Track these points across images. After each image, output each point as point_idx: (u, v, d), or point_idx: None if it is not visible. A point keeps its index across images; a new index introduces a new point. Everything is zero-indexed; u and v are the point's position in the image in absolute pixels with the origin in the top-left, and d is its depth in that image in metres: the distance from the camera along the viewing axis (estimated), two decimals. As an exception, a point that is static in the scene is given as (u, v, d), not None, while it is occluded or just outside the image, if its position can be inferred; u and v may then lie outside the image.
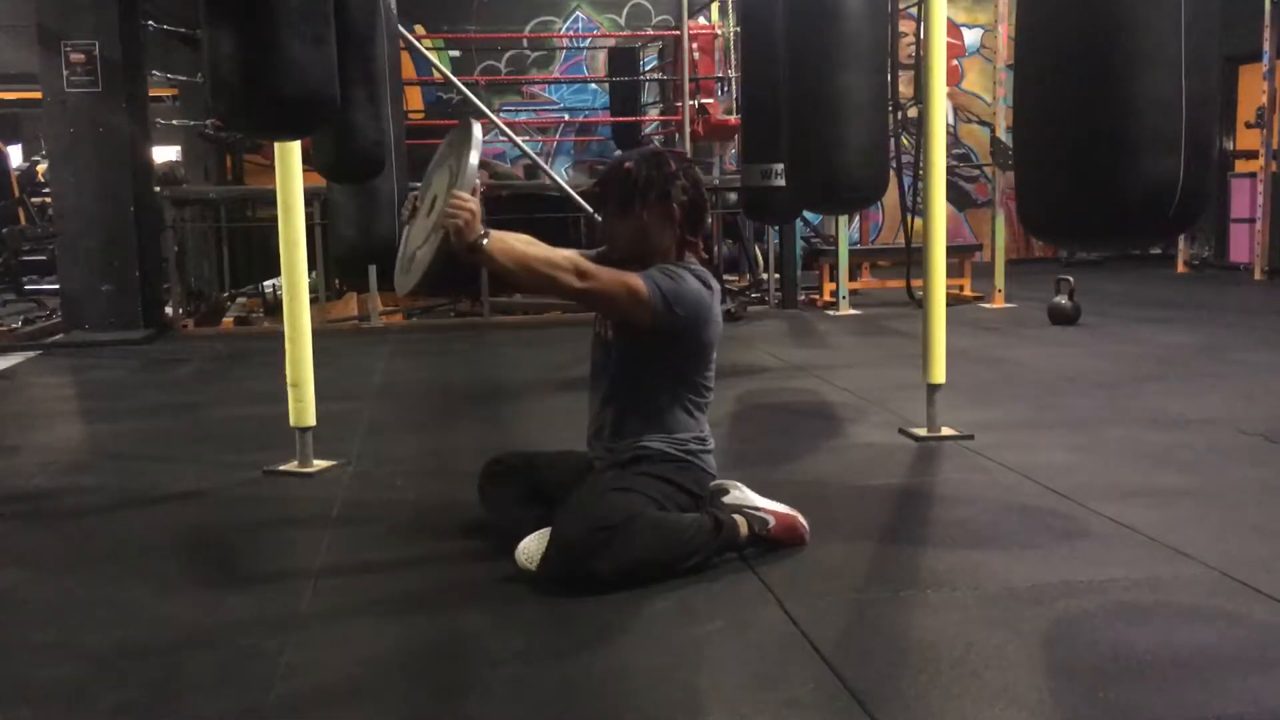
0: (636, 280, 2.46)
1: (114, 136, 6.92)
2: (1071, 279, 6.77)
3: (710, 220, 9.67)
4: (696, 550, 2.45)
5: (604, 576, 2.32)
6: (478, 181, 2.36)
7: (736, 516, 2.54)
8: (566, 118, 12.37)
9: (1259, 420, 3.86)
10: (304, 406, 3.49)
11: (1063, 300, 6.69)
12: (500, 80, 11.94)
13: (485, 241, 2.31)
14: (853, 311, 7.68)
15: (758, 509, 2.58)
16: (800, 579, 2.42)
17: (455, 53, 11.17)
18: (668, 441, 2.57)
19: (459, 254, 2.32)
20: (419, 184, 2.65)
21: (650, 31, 11.55)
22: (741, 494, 2.63)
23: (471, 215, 2.29)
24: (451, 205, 2.30)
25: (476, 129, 2.42)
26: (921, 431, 3.76)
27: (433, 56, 8.62)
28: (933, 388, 3.75)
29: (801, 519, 2.63)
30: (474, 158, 2.35)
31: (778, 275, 8.16)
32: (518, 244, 2.39)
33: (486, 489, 2.80)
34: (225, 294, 8.50)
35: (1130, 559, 2.52)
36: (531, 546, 2.46)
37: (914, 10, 6.31)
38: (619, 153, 2.76)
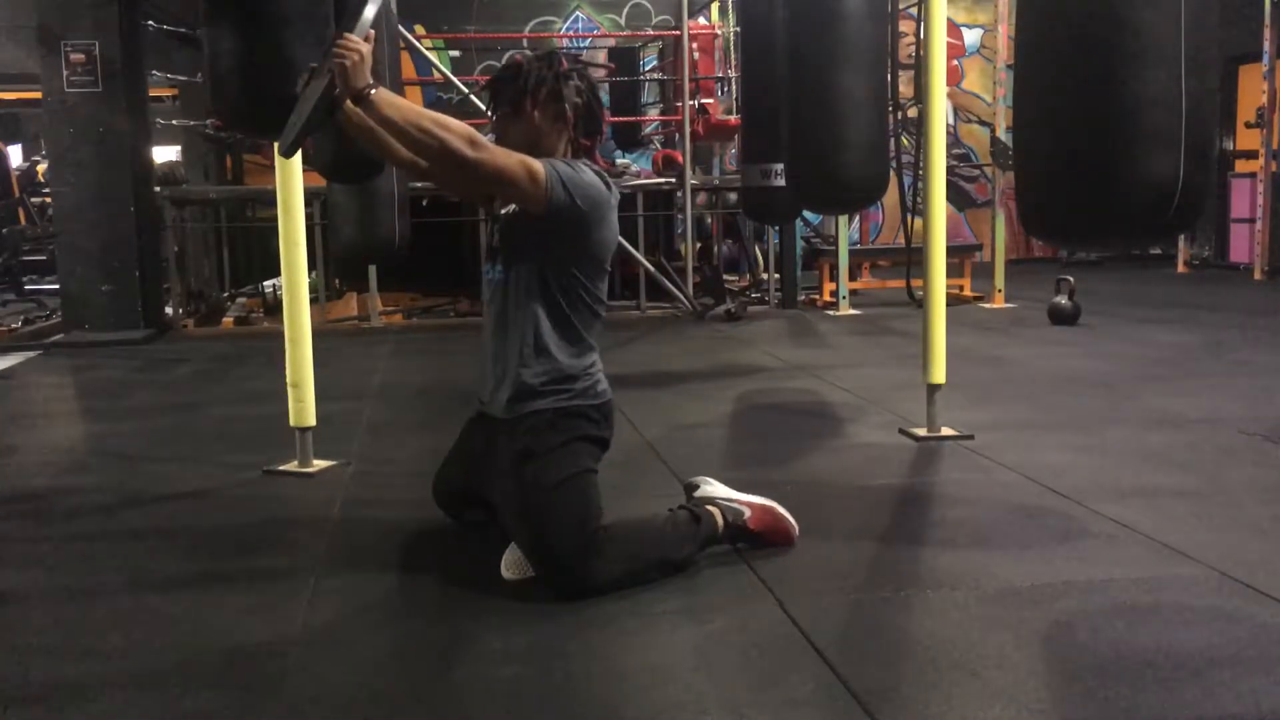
0: (533, 160, 2.36)
1: (114, 136, 6.92)
2: (1071, 279, 6.77)
3: (711, 220, 9.57)
4: (682, 544, 2.44)
5: (599, 583, 2.32)
6: (371, 31, 2.27)
7: (710, 508, 2.53)
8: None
9: (1259, 420, 3.86)
10: (304, 406, 3.49)
11: (1063, 300, 6.69)
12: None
13: (373, 92, 2.23)
14: (853, 311, 7.68)
15: (731, 500, 2.58)
16: (800, 579, 2.42)
17: (455, 53, 11.17)
18: (550, 386, 2.44)
19: (344, 98, 2.24)
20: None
21: (650, 31, 11.55)
22: (711, 488, 2.62)
23: (360, 58, 2.21)
24: (341, 46, 2.21)
25: None
26: (921, 431, 3.76)
27: (433, 56, 8.62)
28: (933, 388, 3.75)
29: (781, 510, 2.61)
30: (371, 10, 2.27)
31: (778, 275, 8.17)
32: (407, 102, 2.30)
33: (451, 518, 2.82)
34: (225, 294, 8.50)
35: (1130, 559, 2.52)
36: (509, 558, 2.46)
37: (914, 10, 6.31)
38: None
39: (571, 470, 2.41)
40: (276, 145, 2.54)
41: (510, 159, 2.34)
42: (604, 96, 11.36)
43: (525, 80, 2.47)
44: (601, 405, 2.52)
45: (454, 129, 2.28)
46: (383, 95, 2.26)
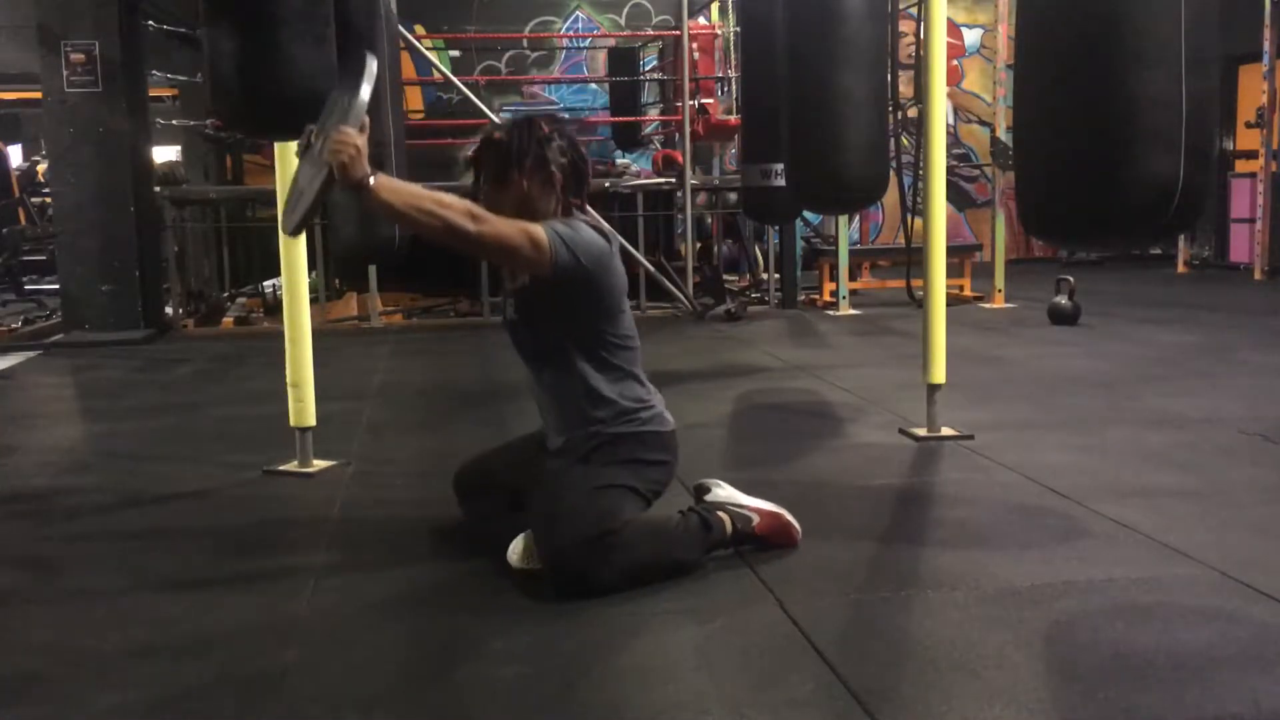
0: (533, 226, 2.39)
1: (114, 136, 6.92)
2: (1071, 279, 6.77)
3: (711, 220, 9.56)
4: (689, 548, 2.45)
5: (604, 587, 2.32)
6: (366, 118, 2.28)
7: (720, 513, 2.53)
8: (567, 118, 12.36)
9: (1259, 420, 3.86)
10: (304, 406, 3.49)
11: (1063, 300, 6.69)
12: (500, 80, 11.93)
13: (371, 180, 2.24)
14: (853, 311, 7.68)
15: (741, 506, 2.58)
16: (800, 579, 2.42)
17: (455, 53, 11.17)
18: (617, 419, 2.50)
19: (345, 190, 2.25)
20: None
21: (650, 31, 11.55)
22: (724, 491, 2.63)
23: (356, 152, 2.22)
24: (337, 141, 2.22)
25: (372, 64, 2.34)
26: (921, 431, 3.76)
27: (433, 56, 8.62)
28: (933, 388, 3.75)
29: (788, 516, 2.62)
30: (365, 93, 2.27)
31: (778, 275, 8.17)
32: (407, 186, 2.31)
33: (465, 507, 2.82)
34: (225, 294, 8.50)
35: (1130, 559, 2.52)
36: (520, 546, 2.48)
37: (914, 10, 6.31)
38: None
39: (611, 481, 2.45)
40: (281, 226, 2.55)
41: (512, 228, 2.36)
42: (605, 98, 11.40)
43: (509, 151, 2.48)
44: (664, 433, 2.57)
45: (454, 206, 2.30)
46: (381, 183, 2.26)
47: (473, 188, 2.55)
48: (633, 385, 2.56)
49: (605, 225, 2.55)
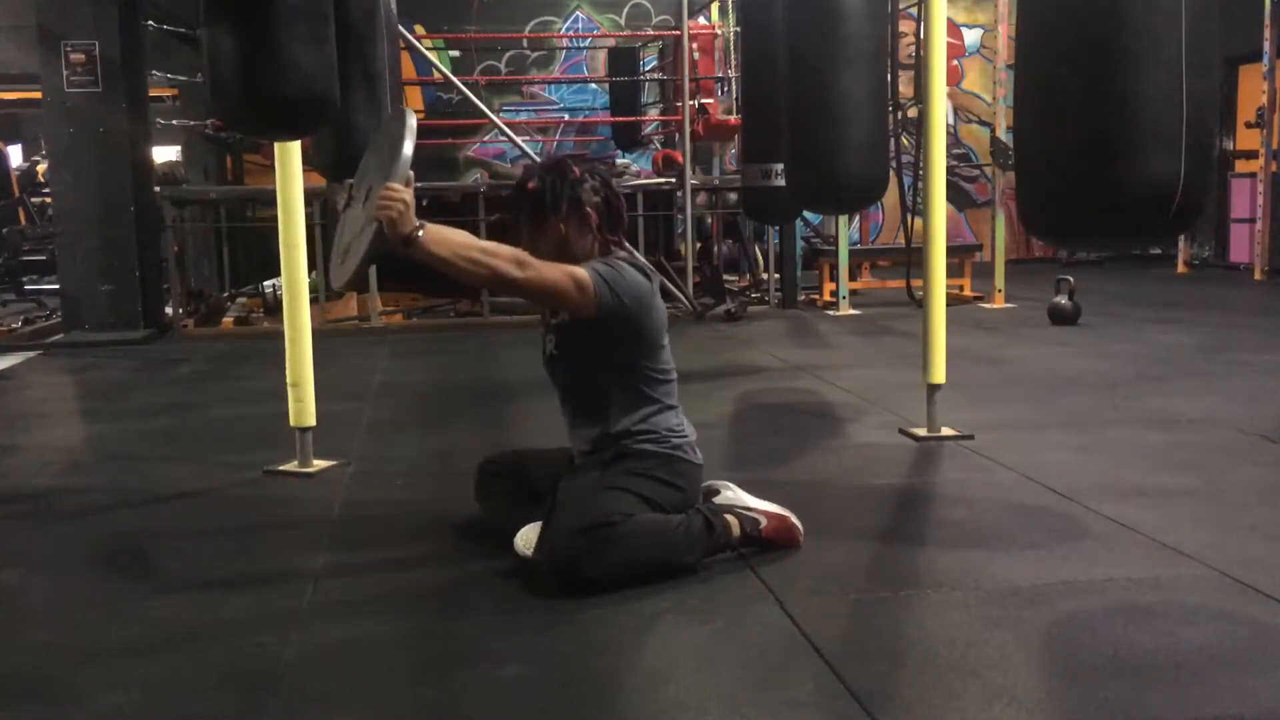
0: (578, 269, 2.44)
1: (114, 136, 6.92)
2: (1071, 279, 6.77)
3: (711, 220, 9.55)
4: (689, 551, 2.45)
5: (597, 579, 2.32)
6: (411, 173, 2.32)
7: (728, 517, 2.53)
8: (566, 118, 12.36)
9: (1259, 420, 3.86)
10: (304, 406, 3.49)
11: (1063, 300, 6.69)
12: (500, 80, 11.93)
13: (420, 234, 2.28)
14: (853, 311, 7.68)
15: (749, 509, 2.58)
16: (800, 579, 2.42)
17: (455, 53, 11.17)
18: (648, 437, 2.55)
19: (394, 246, 2.29)
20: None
21: (650, 31, 11.55)
22: (733, 494, 2.63)
23: (405, 206, 2.26)
24: (385, 197, 2.26)
25: (411, 119, 2.39)
26: (921, 431, 3.76)
27: (433, 56, 8.61)
28: (933, 388, 3.75)
29: (794, 519, 2.63)
30: (408, 148, 2.31)
31: (778, 275, 8.17)
32: (454, 235, 2.35)
33: (482, 491, 2.82)
34: (225, 294, 8.50)
35: (1130, 559, 2.52)
36: (530, 536, 2.49)
37: (914, 10, 6.31)
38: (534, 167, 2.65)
39: (624, 486, 2.46)
40: (331, 280, 2.60)
41: (556, 272, 2.41)
42: (605, 98, 11.40)
43: (543, 199, 2.53)
44: (687, 463, 2.59)
45: (501, 255, 2.36)
46: (430, 235, 2.30)
47: (513, 233, 2.59)
48: (667, 416, 2.60)
49: (643, 262, 2.60)
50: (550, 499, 2.51)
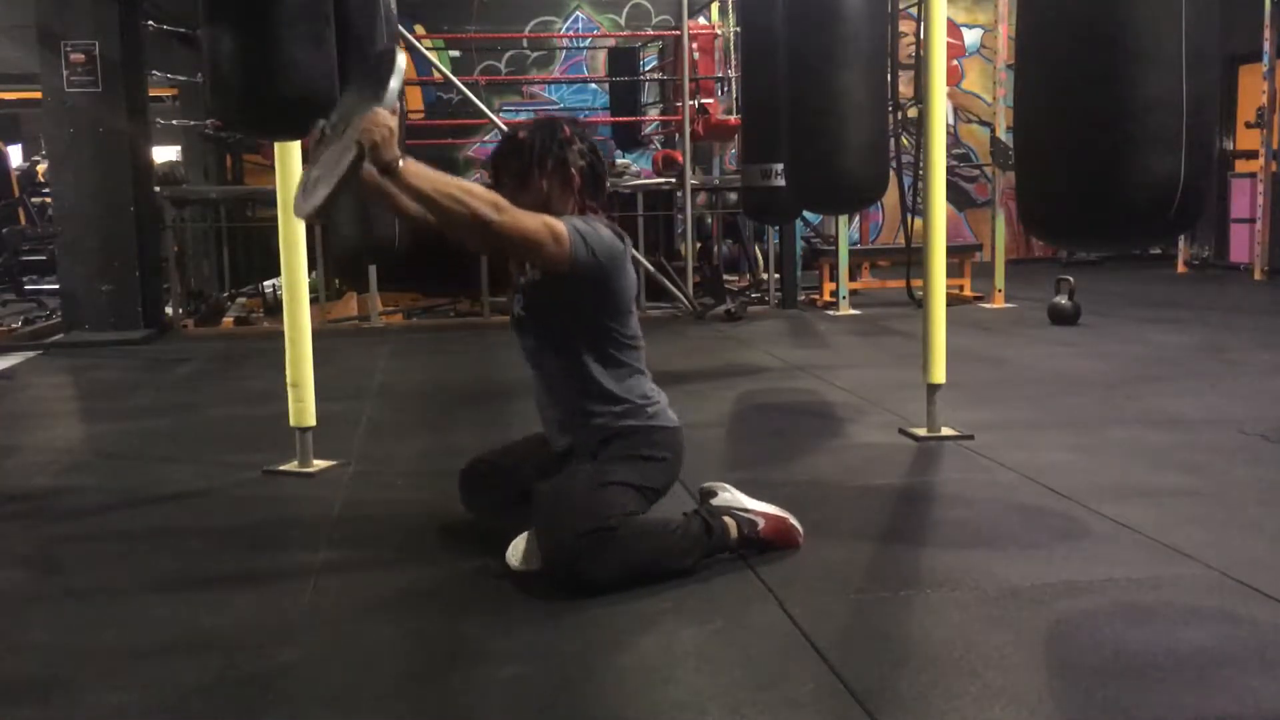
0: (554, 220, 2.41)
1: (114, 136, 6.92)
2: (1071, 279, 6.77)
3: (711, 220, 9.54)
4: (687, 552, 2.44)
5: (597, 582, 2.32)
6: (398, 105, 2.29)
7: (726, 519, 2.53)
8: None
9: (1259, 420, 3.86)
10: (304, 406, 3.49)
11: (1063, 300, 6.69)
12: (500, 80, 11.93)
13: (401, 163, 2.25)
14: (853, 311, 7.68)
15: (747, 510, 2.58)
16: (800, 579, 2.42)
17: (455, 53, 11.16)
18: (622, 415, 2.54)
19: (372, 173, 2.26)
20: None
21: (650, 31, 11.55)
22: (730, 495, 2.63)
23: (390, 133, 2.23)
24: (371, 121, 2.22)
25: (401, 57, 2.36)
26: (921, 431, 3.76)
27: (433, 56, 8.61)
28: (933, 388, 3.75)
29: (793, 520, 2.62)
30: (396, 82, 2.29)
31: (778, 275, 8.17)
32: (434, 172, 2.32)
33: (468, 496, 2.82)
34: (225, 294, 8.50)
35: (1130, 559, 2.52)
36: (520, 547, 2.48)
37: (914, 10, 6.31)
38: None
39: (613, 478, 2.46)
40: (295, 209, 2.55)
41: (534, 221, 2.39)
42: (605, 98, 11.40)
43: (530, 152, 2.52)
44: (665, 430, 2.59)
45: (479, 195, 2.32)
46: (410, 167, 2.28)
47: (494, 186, 2.56)
48: (639, 382, 2.60)
49: (618, 228, 2.58)
50: (537, 495, 2.49)
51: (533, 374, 2.68)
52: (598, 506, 2.38)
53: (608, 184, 2.67)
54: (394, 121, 2.25)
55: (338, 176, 2.31)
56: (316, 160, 2.46)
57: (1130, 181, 2.30)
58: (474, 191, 2.32)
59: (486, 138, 11.58)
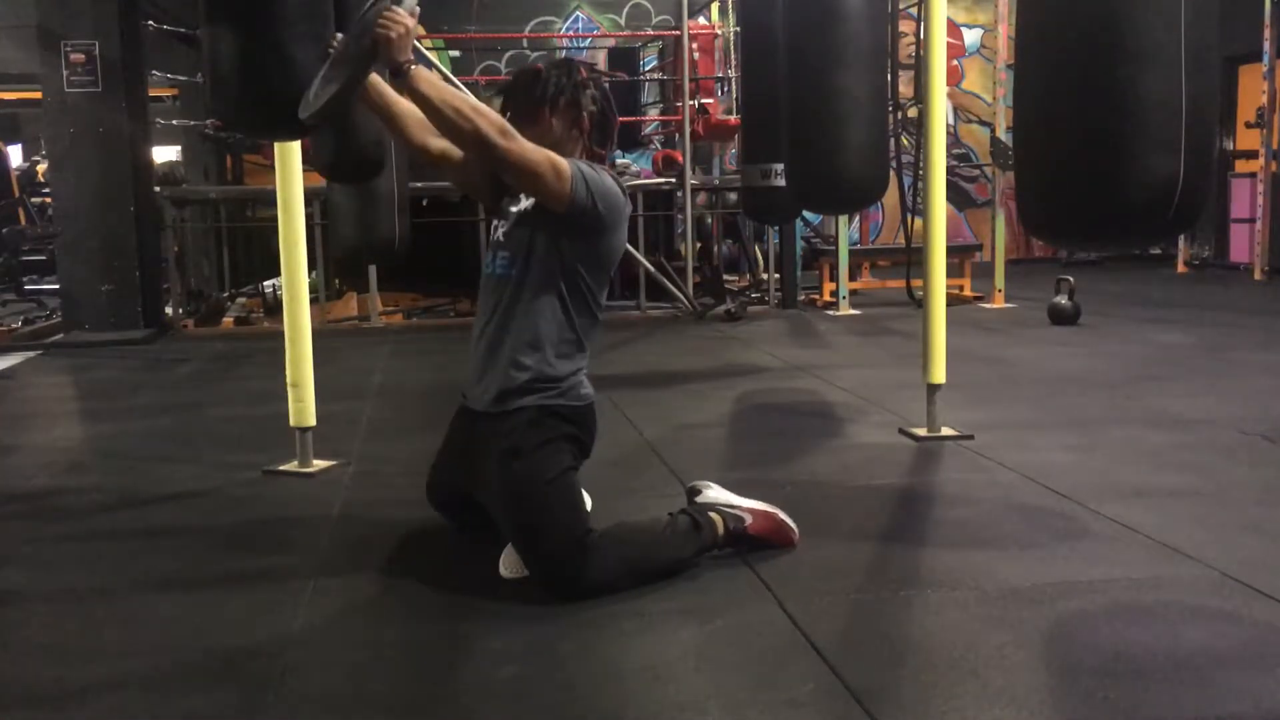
0: (559, 157, 2.37)
1: (114, 136, 6.92)
2: (1071, 279, 6.77)
3: (711, 220, 9.53)
4: (679, 550, 2.44)
5: (593, 586, 2.32)
6: (417, 9, 2.26)
7: (712, 515, 2.52)
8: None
9: (1259, 420, 3.86)
10: (304, 406, 3.49)
11: (1063, 300, 6.69)
12: (500, 80, 11.93)
13: (412, 67, 2.23)
14: (853, 311, 7.68)
15: (733, 507, 2.57)
16: (800, 579, 2.42)
17: (455, 53, 11.16)
18: (547, 390, 2.44)
19: (376, 83, 2.23)
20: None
21: (650, 31, 11.55)
22: (715, 493, 2.62)
23: (406, 31, 2.21)
24: (388, 17, 2.19)
25: None
26: (921, 431, 3.76)
27: (433, 56, 8.61)
28: (933, 388, 3.75)
29: (783, 516, 2.61)
30: None
31: (778, 275, 8.16)
32: (444, 84, 2.29)
33: (447, 520, 2.79)
34: (225, 294, 8.50)
35: (1130, 559, 2.52)
36: (509, 559, 2.46)
37: (914, 10, 6.31)
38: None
39: (557, 469, 2.41)
40: (300, 109, 2.49)
41: (538, 153, 2.34)
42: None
43: (544, 87, 2.48)
44: (583, 408, 2.52)
45: (488, 115, 2.29)
46: (421, 72, 2.25)
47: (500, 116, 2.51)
48: (574, 352, 2.50)
49: (624, 185, 2.53)
50: (491, 510, 2.47)
51: (484, 303, 2.55)
52: (566, 512, 2.36)
53: (615, 134, 2.61)
54: (411, 21, 2.22)
55: (348, 73, 2.27)
56: (326, 70, 2.42)
57: (1130, 181, 2.30)
58: (482, 111, 2.29)
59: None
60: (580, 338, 2.51)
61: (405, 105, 2.49)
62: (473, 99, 2.33)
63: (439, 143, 2.54)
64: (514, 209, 2.54)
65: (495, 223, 2.60)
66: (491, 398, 2.49)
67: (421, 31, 2.70)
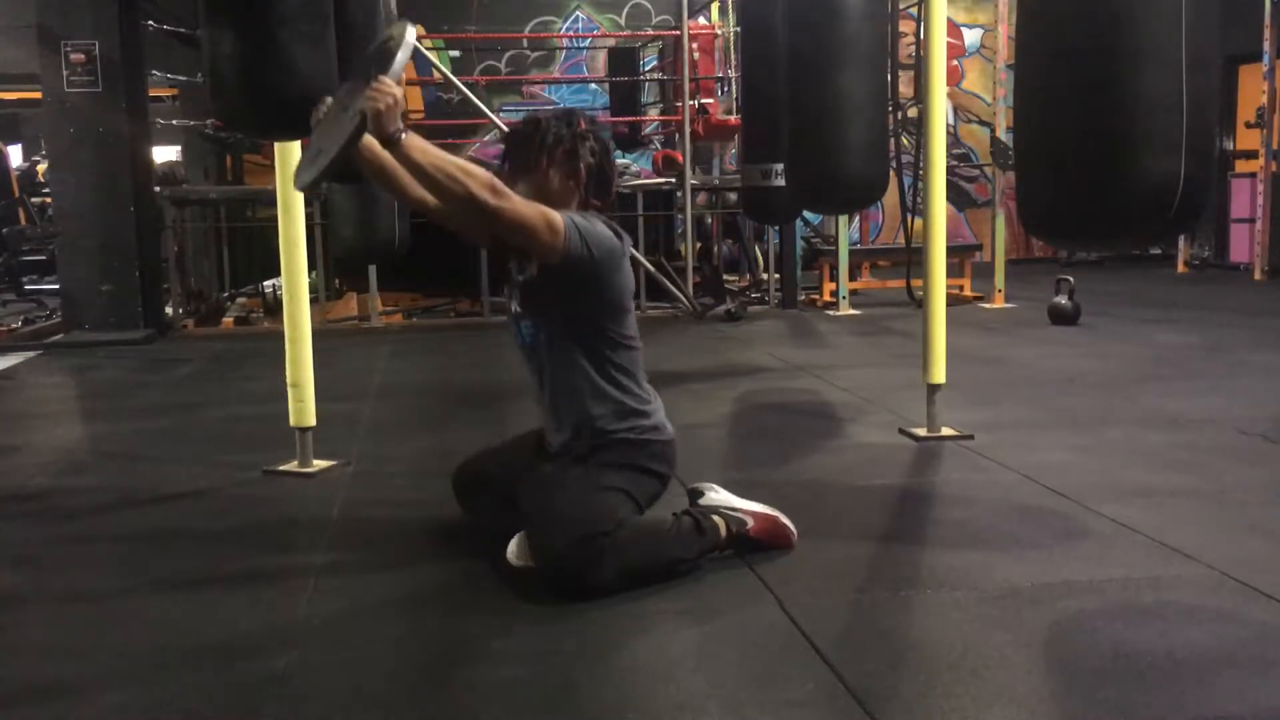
0: (551, 211, 2.40)
1: (114, 136, 6.92)
2: (1071, 279, 6.77)
3: (711, 220, 9.54)
4: (683, 551, 2.44)
5: (594, 586, 2.32)
6: (404, 77, 2.31)
7: (715, 517, 2.53)
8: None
9: (1259, 420, 3.86)
10: (304, 406, 3.49)
11: (1063, 300, 6.69)
12: (500, 80, 11.93)
13: (403, 135, 2.25)
14: (853, 311, 7.68)
15: (735, 509, 2.57)
16: (800, 579, 2.42)
17: (455, 53, 11.16)
18: (618, 421, 2.51)
19: (373, 148, 2.26)
20: None
21: (650, 31, 11.55)
22: (718, 495, 2.63)
23: (394, 102, 2.23)
24: (376, 89, 2.22)
25: (410, 31, 2.36)
26: (921, 431, 3.76)
27: (433, 56, 8.61)
28: (933, 388, 3.75)
29: (783, 519, 2.61)
30: (404, 54, 2.29)
31: (778, 275, 8.17)
32: (435, 148, 2.32)
33: (464, 502, 2.82)
34: (225, 294, 8.50)
35: (1130, 559, 2.52)
36: (518, 544, 2.48)
37: (914, 10, 6.31)
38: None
39: (607, 484, 2.45)
40: (295, 180, 2.56)
41: (530, 209, 2.38)
42: (605, 98, 11.40)
43: (543, 137, 2.51)
44: (665, 442, 2.58)
45: (478, 176, 2.32)
46: (412, 140, 2.28)
47: (499, 167, 2.56)
48: (634, 386, 2.57)
49: (617, 227, 2.57)
50: (525, 498, 2.49)
51: (527, 371, 2.65)
52: (592, 512, 2.37)
53: (614, 187, 2.65)
54: (399, 92, 2.25)
55: (339, 144, 2.31)
56: (317, 136, 2.46)
57: (1130, 181, 2.30)
58: (472, 172, 2.31)
59: (486, 138, 11.59)
60: (630, 369, 2.57)
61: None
62: (462, 161, 2.36)
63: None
64: (520, 277, 2.59)
65: (506, 289, 2.65)
66: (579, 444, 2.56)
67: (421, 31, 2.71)
